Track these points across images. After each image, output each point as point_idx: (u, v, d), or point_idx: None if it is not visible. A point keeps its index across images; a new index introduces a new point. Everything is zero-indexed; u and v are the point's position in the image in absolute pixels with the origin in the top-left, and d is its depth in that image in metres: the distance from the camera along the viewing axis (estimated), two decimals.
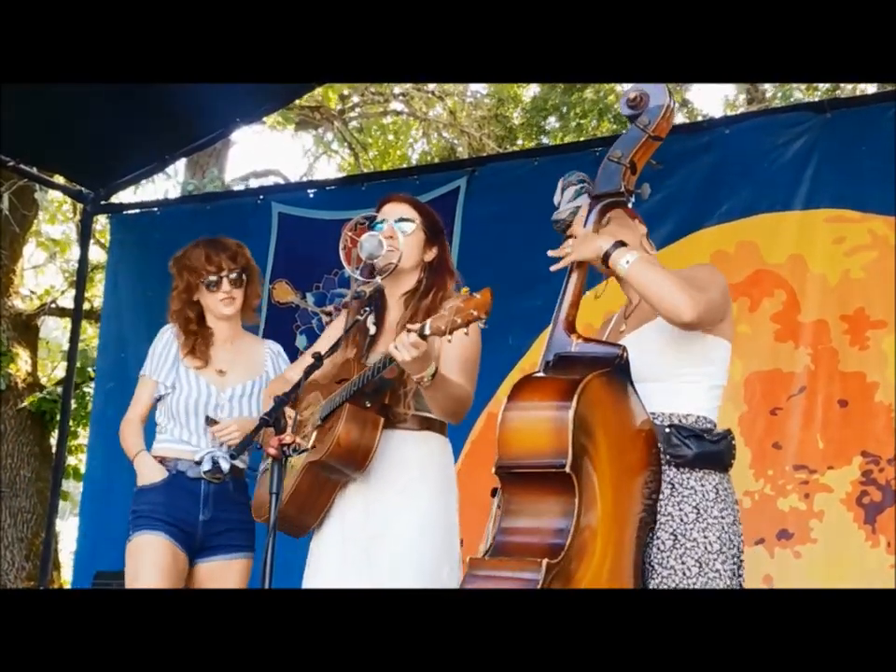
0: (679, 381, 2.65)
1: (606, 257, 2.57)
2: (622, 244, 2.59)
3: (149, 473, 3.42)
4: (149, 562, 3.28)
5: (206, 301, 3.50)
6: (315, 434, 2.86)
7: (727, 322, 2.71)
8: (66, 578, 7.81)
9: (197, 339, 3.50)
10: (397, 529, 2.82)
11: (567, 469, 2.26)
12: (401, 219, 3.00)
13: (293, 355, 5.25)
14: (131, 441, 3.50)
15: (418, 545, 2.81)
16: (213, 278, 3.45)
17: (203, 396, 3.45)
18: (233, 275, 3.47)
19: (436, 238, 3.07)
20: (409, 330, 2.59)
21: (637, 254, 2.58)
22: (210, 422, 3.39)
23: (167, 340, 3.54)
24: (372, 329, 2.60)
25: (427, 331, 2.53)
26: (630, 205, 2.78)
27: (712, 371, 2.69)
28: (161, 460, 3.43)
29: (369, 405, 2.80)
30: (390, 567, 2.79)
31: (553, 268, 2.67)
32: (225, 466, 3.35)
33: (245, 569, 3.42)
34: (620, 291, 2.84)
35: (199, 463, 3.37)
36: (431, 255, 3.05)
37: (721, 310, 2.66)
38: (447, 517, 2.91)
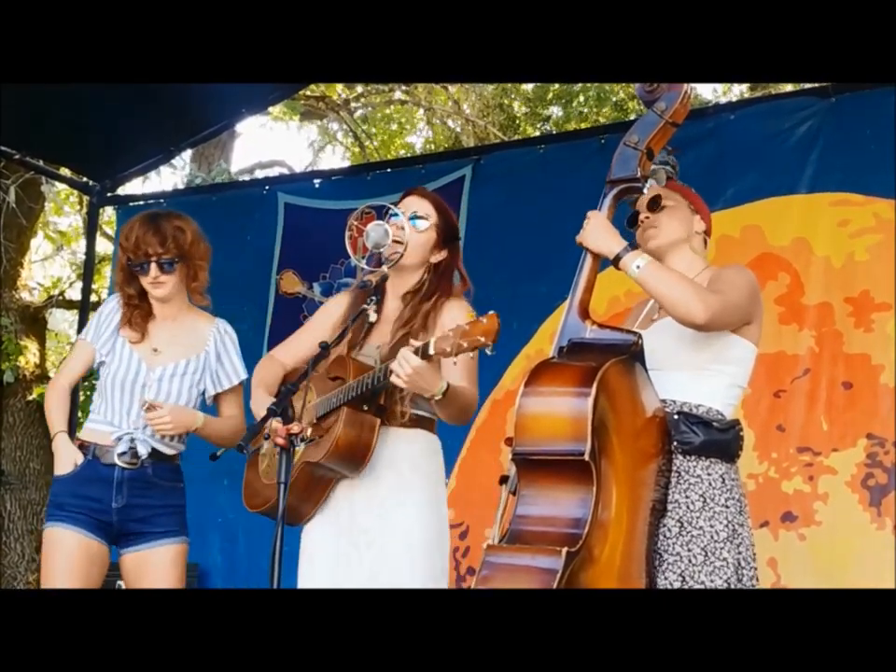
0: (700, 373, 2.66)
1: (616, 259, 2.57)
2: (633, 246, 2.59)
3: (62, 461, 3.29)
4: (59, 559, 3.19)
5: (140, 279, 3.36)
6: (310, 430, 2.83)
7: (755, 326, 2.71)
8: None
9: (135, 311, 3.38)
10: (390, 524, 2.82)
11: (586, 457, 2.26)
12: (416, 215, 2.97)
13: None
14: (54, 416, 3.37)
15: (412, 538, 2.81)
16: (141, 262, 3.30)
17: (133, 372, 3.32)
18: (162, 261, 3.30)
19: (447, 242, 3.01)
20: (413, 349, 2.57)
21: (648, 258, 2.57)
22: (149, 407, 3.22)
23: (112, 308, 3.42)
24: (373, 317, 2.60)
25: (432, 351, 2.52)
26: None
27: (733, 370, 2.70)
28: (82, 444, 3.31)
29: (366, 408, 2.80)
30: (384, 561, 2.79)
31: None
32: (143, 450, 3.25)
33: (177, 555, 3.27)
34: None
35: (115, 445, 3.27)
36: (439, 257, 3.00)
37: (744, 311, 2.66)
38: (438, 510, 2.91)
